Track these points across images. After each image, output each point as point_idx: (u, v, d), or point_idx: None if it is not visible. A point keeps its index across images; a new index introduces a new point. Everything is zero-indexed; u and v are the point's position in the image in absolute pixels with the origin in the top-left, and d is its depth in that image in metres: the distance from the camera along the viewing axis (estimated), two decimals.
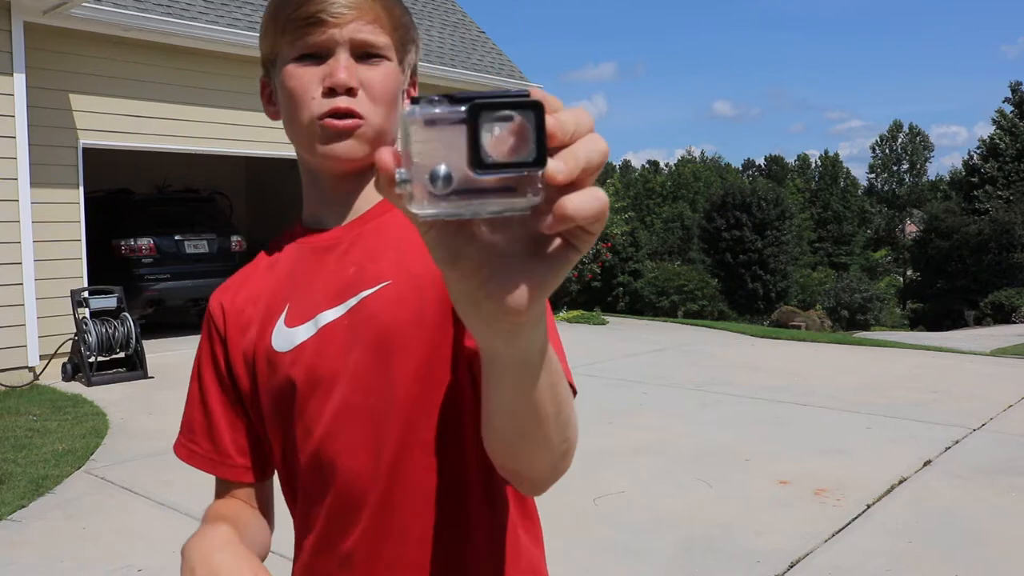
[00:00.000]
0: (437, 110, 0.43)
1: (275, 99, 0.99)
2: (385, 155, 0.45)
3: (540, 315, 0.54)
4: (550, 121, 0.44)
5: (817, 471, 4.58)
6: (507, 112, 0.43)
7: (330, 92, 0.91)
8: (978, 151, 41.12)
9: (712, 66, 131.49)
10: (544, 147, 0.43)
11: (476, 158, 0.43)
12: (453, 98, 0.44)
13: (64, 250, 7.73)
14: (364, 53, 0.93)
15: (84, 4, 7.39)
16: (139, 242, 9.69)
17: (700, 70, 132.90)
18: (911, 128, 62.84)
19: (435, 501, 0.89)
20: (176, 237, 10.05)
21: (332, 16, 0.90)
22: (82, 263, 7.89)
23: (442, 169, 0.43)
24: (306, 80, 0.92)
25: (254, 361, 0.97)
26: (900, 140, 62.60)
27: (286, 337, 0.94)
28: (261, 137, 9.50)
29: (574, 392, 0.80)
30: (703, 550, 3.53)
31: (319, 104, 0.91)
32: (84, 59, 8.00)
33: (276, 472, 1.03)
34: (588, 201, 0.45)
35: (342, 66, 0.90)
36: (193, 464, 1.03)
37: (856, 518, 3.88)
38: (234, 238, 10.66)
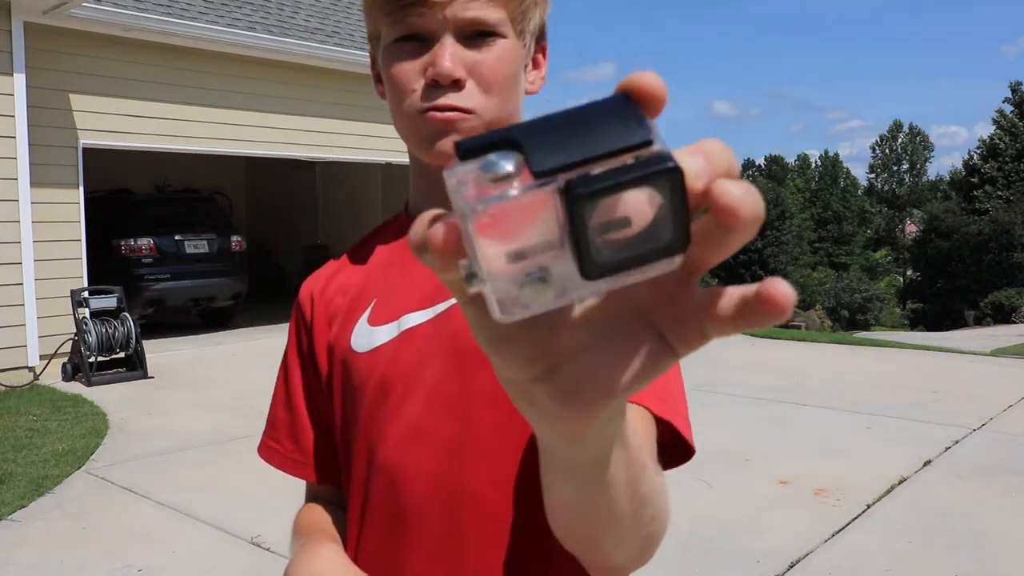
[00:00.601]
0: (509, 193, 0.30)
1: (381, 76, 0.87)
2: (436, 234, 0.32)
3: (619, 411, 0.43)
4: (697, 188, 0.31)
5: (817, 471, 4.57)
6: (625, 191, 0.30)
7: (434, 84, 0.80)
8: (978, 151, 41.15)
9: (712, 66, 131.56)
10: (686, 226, 0.31)
11: (587, 264, 0.31)
12: (527, 151, 0.31)
13: (64, 250, 7.73)
14: (474, 32, 0.80)
15: (84, 4, 7.39)
16: (139, 242, 9.69)
17: (700, 70, 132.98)
18: (911, 128, 62.86)
19: (510, 537, 0.80)
20: (176, 237, 10.05)
21: None
22: (82, 263, 7.89)
23: (536, 273, 0.31)
24: (407, 69, 0.81)
25: (335, 357, 0.89)
26: (900, 140, 62.59)
27: (367, 336, 0.86)
28: (261, 137, 9.51)
29: (690, 453, 0.76)
30: (703, 550, 3.53)
31: (421, 98, 0.81)
32: (84, 59, 8.00)
33: None
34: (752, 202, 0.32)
35: (447, 53, 0.79)
36: (274, 464, 0.95)
37: (856, 518, 3.88)
38: (234, 238, 10.65)
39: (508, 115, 0.84)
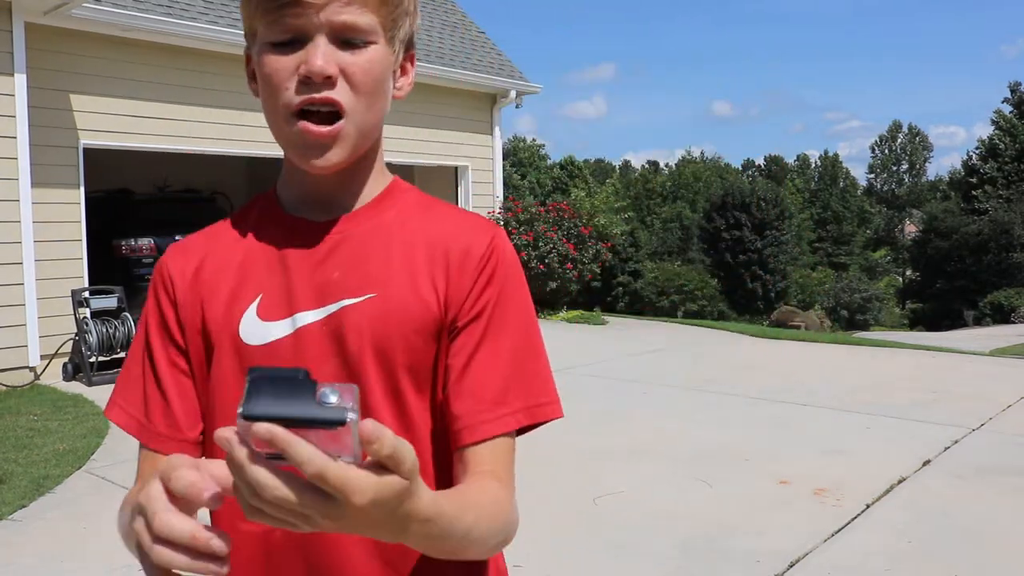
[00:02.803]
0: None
1: (255, 73, 0.90)
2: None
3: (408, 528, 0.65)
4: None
5: (817, 471, 4.58)
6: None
7: (306, 80, 0.83)
8: (977, 151, 41.13)
9: (712, 66, 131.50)
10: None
11: None
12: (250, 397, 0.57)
13: (64, 250, 7.73)
14: (346, 36, 0.84)
15: (84, 4, 7.39)
16: (139, 242, 9.70)
17: (700, 70, 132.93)
18: (910, 128, 62.85)
19: None
20: (176, 237, 10.03)
21: None
22: (82, 263, 7.89)
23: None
24: (280, 68, 0.84)
25: (211, 339, 0.91)
26: (899, 140, 62.59)
27: (259, 330, 0.89)
28: (261, 137, 9.49)
29: (557, 416, 0.90)
30: (703, 550, 3.53)
31: (293, 95, 0.84)
32: (84, 59, 8.00)
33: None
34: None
35: (320, 52, 0.83)
36: (123, 427, 0.93)
37: (856, 518, 3.88)
38: None
39: (376, 116, 0.89)
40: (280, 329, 0.89)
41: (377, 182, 0.95)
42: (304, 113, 0.85)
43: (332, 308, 0.88)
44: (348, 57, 0.85)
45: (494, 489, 0.82)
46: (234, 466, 0.57)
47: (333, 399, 0.55)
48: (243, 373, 0.79)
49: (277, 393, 0.55)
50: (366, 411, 0.81)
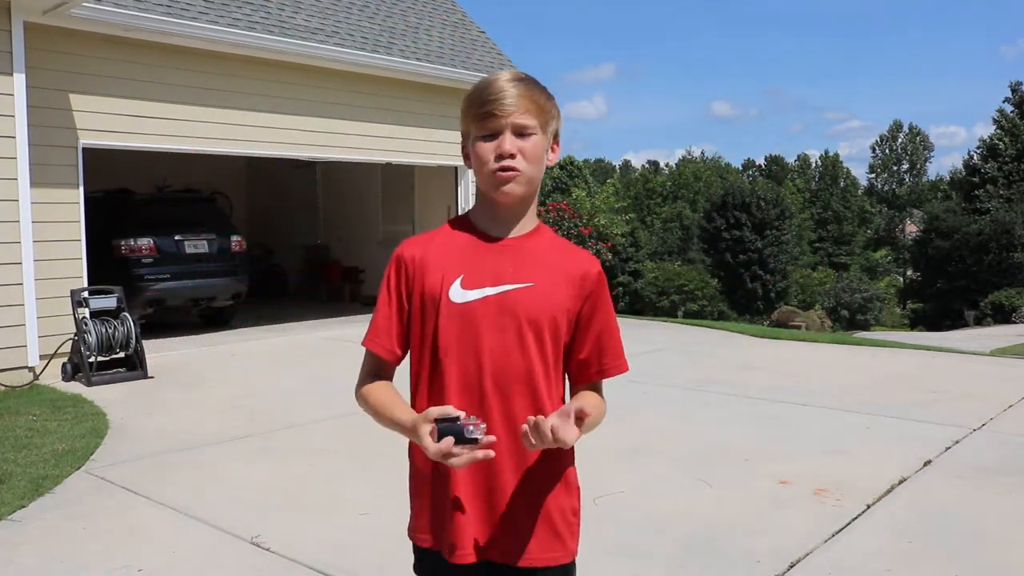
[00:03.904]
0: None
1: (469, 155, 1.61)
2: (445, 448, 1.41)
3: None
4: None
5: (817, 471, 4.57)
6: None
7: (499, 157, 1.55)
8: (978, 151, 41.12)
9: (712, 66, 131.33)
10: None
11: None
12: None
13: (64, 250, 7.73)
14: (521, 131, 1.55)
15: (84, 4, 7.38)
16: (139, 242, 9.68)
17: (700, 70, 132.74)
18: (911, 128, 62.88)
19: (532, 407, 1.56)
20: (176, 237, 10.04)
21: (500, 112, 1.54)
22: (82, 263, 7.89)
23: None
24: (487, 151, 1.56)
25: (430, 299, 1.59)
26: (900, 140, 62.60)
27: (460, 295, 1.57)
28: (261, 137, 9.50)
29: (626, 369, 1.69)
30: (703, 550, 3.53)
31: (493, 163, 1.56)
32: (84, 59, 8.00)
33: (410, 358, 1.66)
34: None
35: (507, 141, 1.55)
36: (373, 349, 1.64)
37: (856, 518, 3.88)
38: (234, 238, 10.65)
39: (536, 175, 1.60)
40: (473, 295, 1.57)
41: (531, 220, 1.65)
42: (497, 171, 1.56)
43: (503, 288, 1.57)
44: (521, 142, 1.56)
45: (599, 400, 1.67)
46: (443, 451, 1.41)
47: (473, 429, 1.40)
48: (449, 318, 1.56)
49: (451, 426, 1.41)
50: (524, 350, 1.56)
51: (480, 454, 1.39)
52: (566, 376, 1.67)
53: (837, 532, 3.71)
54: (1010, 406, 6.13)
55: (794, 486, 4.34)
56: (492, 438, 1.41)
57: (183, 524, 3.88)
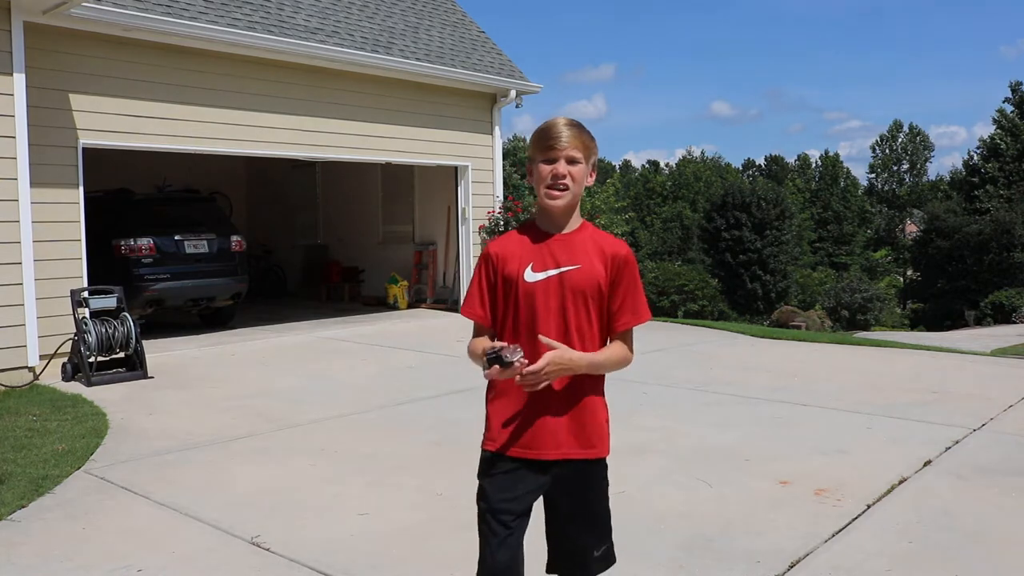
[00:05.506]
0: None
1: (532, 172, 2.25)
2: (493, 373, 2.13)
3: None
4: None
5: (817, 471, 4.57)
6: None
7: (554, 177, 2.19)
8: (978, 151, 41.13)
9: (712, 66, 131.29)
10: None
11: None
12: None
13: (64, 250, 7.73)
14: (570, 160, 2.19)
15: (84, 4, 7.38)
16: (139, 242, 9.68)
17: (700, 70, 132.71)
18: (911, 128, 62.86)
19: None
20: (176, 237, 10.04)
21: (559, 147, 2.18)
22: (82, 263, 7.89)
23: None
24: (546, 172, 2.20)
25: (509, 281, 2.24)
26: (900, 140, 62.58)
27: (531, 276, 2.22)
28: (261, 137, 9.50)
29: (649, 318, 2.34)
30: (703, 550, 3.53)
31: (550, 180, 2.20)
32: (84, 59, 8.00)
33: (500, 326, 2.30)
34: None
35: (562, 167, 2.19)
36: (470, 317, 2.31)
37: (856, 518, 3.88)
38: (234, 238, 10.64)
39: (579, 192, 2.24)
40: (540, 276, 2.22)
41: (577, 220, 2.29)
42: (551, 187, 2.20)
43: (560, 270, 2.22)
44: (571, 168, 2.20)
45: (620, 347, 2.29)
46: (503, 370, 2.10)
47: (508, 356, 2.07)
48: (525, 295, 2.22)
49: (495, 355, 2.08)
50: (570, 315, 2.22)
51: (514, 372, 2.07)
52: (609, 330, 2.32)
53: (837, 532, 3.71)
54: (1010, 406, 6.13)
55: (794, 486, 4.34)
56: (525, 361, 2.06)
57: (183, 524, 3.88)
